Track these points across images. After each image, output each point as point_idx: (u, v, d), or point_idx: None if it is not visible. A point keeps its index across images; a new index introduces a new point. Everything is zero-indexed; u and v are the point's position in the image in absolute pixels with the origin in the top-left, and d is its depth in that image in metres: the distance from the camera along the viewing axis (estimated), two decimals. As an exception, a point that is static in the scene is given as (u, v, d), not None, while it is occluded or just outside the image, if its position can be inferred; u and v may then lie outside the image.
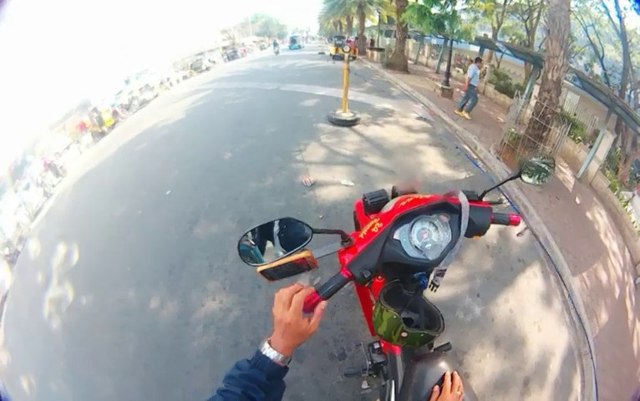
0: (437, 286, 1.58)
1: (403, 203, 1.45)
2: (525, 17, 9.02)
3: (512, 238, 4.32)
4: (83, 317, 4.03)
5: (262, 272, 1.27)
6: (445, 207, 1.41)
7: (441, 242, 1.36)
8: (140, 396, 3.04)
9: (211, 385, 2.81)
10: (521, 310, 3.57)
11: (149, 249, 4.52)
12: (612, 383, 3.39)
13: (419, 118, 7.97)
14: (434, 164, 5.89)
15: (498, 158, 6.00)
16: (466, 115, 7.85)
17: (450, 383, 1.24)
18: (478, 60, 8.14)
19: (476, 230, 1.43)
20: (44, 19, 6.21)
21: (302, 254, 1.25)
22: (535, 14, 8.69)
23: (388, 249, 1.32)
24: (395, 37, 11.78)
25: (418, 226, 1.37)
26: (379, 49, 13.26)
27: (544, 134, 5.91)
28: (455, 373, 1.28)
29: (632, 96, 5.88)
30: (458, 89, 9.09)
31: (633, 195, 5.36)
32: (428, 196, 1.47)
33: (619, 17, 5.99)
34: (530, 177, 1.66)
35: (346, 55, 7.06)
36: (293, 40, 18.02)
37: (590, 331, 3.68)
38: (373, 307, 1.39)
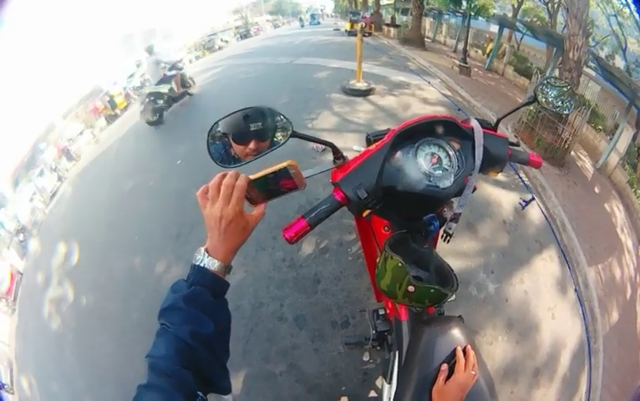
0: (450, 236, 1.32)
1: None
2: (547, -2, 8.65)
3: (529, 216, 4.18)
4: (92, 288, 4.02)
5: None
6: (455, 131, 1.23)
7: (453, 170, 1.18)
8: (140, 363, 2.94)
9: None
10: (536, 293, 3.39)
11: (159, 217, 4.55)
12: (615, 389, 3.21)
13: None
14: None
15: (516, 136, 5.73)
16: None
17: (464, 360, 1.05)
18: None
19: (492, 163, 1.24)
20: (54, 8, 6.20)
21: (285, 163, 0.97)
22: (557, -2, 8.31)
23: (389, 171, 1.14)
24: (412, 14, 11.42)
25: (425, 149, 1.20)
26: (396, 25, 12.90)
27: (564, 115, 5.45)
28: (469, 347, 1.08)
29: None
30: (476, 69, 8.85)
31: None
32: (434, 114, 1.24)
33: (638, 12, 5.71)
34: (546, 99, 1.44)
35: (358, 25, 7.03)
36: (313, 16, 18.33)
37: (602, 328, 3.51)
38: (377, 259, 1.22)
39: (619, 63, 6.21)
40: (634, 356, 3.67)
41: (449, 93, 7.66)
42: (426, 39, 11.50)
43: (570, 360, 3.06)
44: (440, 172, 1.17)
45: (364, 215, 1.22)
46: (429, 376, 1.05)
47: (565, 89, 1.44)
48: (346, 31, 13.01)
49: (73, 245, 4.63)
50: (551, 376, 2.89)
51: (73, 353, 3.47)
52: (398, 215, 1.31)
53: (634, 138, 5.36)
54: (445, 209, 1.31)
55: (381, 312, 1.79)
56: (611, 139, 5.64)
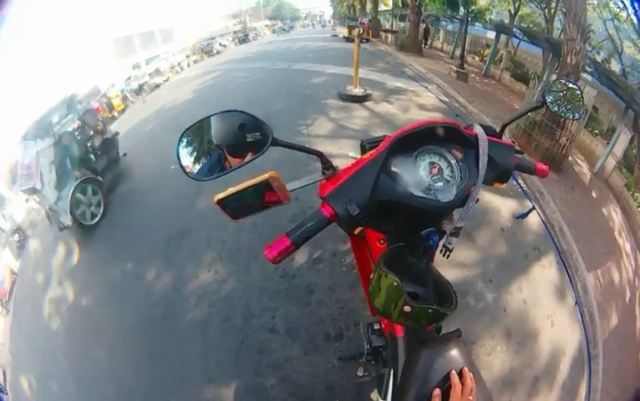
0: (450, 251, 1.20)
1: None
2: (544, 4, 8.64)
3: (528, 223, 4.12)
4: (85, 292, 3.93)
5: (221, 205, 0.97)
6: (458, 138, 1.13)
7: (455, 182, 1.08)
8: (131, 371, 2.86)
9: (200, 361, 2.75)
10: (535, 301, 3.32)
11: (151, 223, 4.43)
12: (615, 392, 3.13)
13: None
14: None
15: (514, 141, 5.60)
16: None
17: (460, 386, 0.97)
18: None
19: (497, 173, 1.15)
20: (52, 10, 6.11)
21: (266, 175, 0.92)
22: (554, 3, 8.30)
23: (384, 183, 1.03)
24: (409, 20, 11.40)
25: (425, 158, 1.10)
26: (393, 32, 12.93)
27: (562, 119, 5.47)
28: (466, 370, 1.00)
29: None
30: (473, 75, 8.84)
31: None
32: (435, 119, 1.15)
33: (636, 15, 5.73)
34: (555, 105, 1.36)
35: (356, 31, 7.20)
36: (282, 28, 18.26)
37: (601, 333, 3.45)
38: (371, 275, 1.12)
39: (615, 66, 6.22)
40: (634, 358, 3.62)
41: (446, 99, 7.61)
42: (423, 45, 11.50)
43: (569, 366, 3.01)
44: (441, 184, 1.08)
45: (356, 232, 1.14)
46: (423, 399, 0.98)
47: (577, 93, 1.36)
48: (344, 37, 13.03)
49: (68, 247, 4.51)
50: (550, 383, 2.84)
51: (66, 356, 3.38)
52: (395, 229, 1.21)
53: (631, 141, 5.34)
54: (445, 222, 1.21)
55: (376, 326, 1.69)
56: (608, 143, 5.64)
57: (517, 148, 1.25)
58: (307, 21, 18.49)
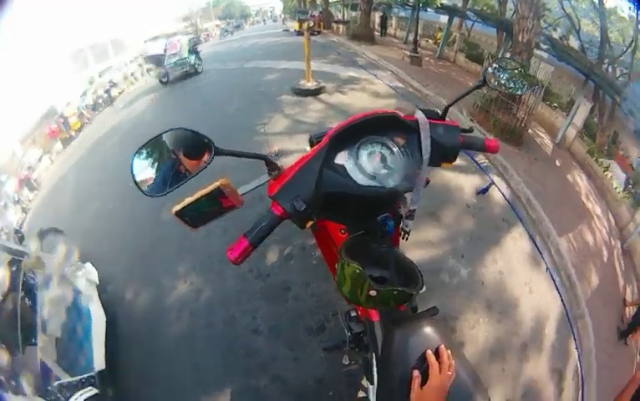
0: (408, 233, 1.27)
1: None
2: (496, -14, 8.81)
3: (493, 197, 4.20)
4: None
5: (179, 216, 0.99)
6: (399, 126, 1.20)
7: (399, 168, 1.15)
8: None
9: (193, 375, 2.74)
10: (510, 271, 3.36)
11: (121, 240, 4.35)
12: (609, 347, 3.28)
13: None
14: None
15: (472, 120, 5.82)
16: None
17: (437, 363, 0.99)
18: None
19: (444, 154, 1.21)
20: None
21: (217, 183, 0.97)
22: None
23: (329, 176, 1.10)
24: (361, 9, 11.46)
25: (367, 149, 1.17)
26: (345, 22, 12.92)
27: (518, 95, 5.62)
28: (443, 347, 1.02)
29: (610, 70, 5.77)
30: (427, 58, 8.99)
31: (609, 165, 5.36)
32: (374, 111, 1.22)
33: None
34: (498, 82, 1.41)
35: (305, 25, 7.05)
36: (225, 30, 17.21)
37: (582, 293, 3.53)
38: (336, 265, 1.18)
39: (574, 44, 6.43)
40: (621, 312, 3.80)
41: (400, 85, 7.68)
42: (375, 33, 11.54)
43: (555, 329, 3.09)
44: (386, 171, 1.13)
45: (308, 226, 1.12)
46: (404, 380, 1.00)
47: (516, 71, 1.42)
48: (295, 31, 12.87)
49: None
50: (538, 348, 2.90)
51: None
52: (351, 218, 1.28)
53: (592, 110, 5.60)
54: (401, 206, 1.29)
55: (353, 313, 1.72)
56: (568, 115, 5.81)
57: (464, 127, 1.30)
58: (257, 18, 18.05)
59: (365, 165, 1.12)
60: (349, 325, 1.70)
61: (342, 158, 1.14)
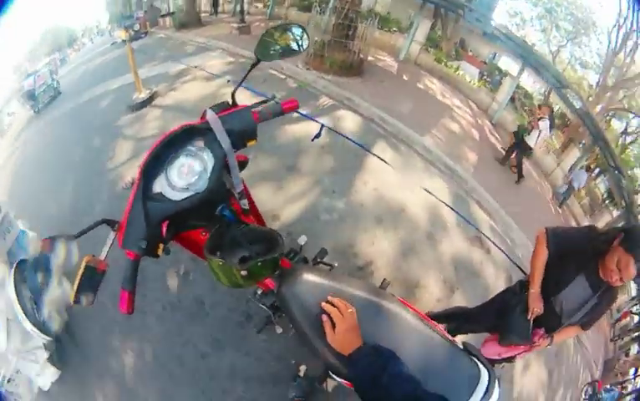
0: (247, 209, 1.46)
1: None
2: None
3: (343, 128, 4.32)
4: None
5: (77, 297, 1.04)
6: (195, 132, 1.26)
7: (207, 167, 1.22)
8: None
9: None
10: (385, 184, 3.53)
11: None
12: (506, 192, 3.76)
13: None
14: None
15: (308, 68, 5.84)
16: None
17: (335, 309, 1.12)
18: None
19: (245, 135, 1.29)
20: None
21: (83, 263, 1.03)
22: None
23: (153, 207, 1.16)
24: (184, -5, 10.98)
25: (174, 168, 1.22)
26: (170, 13, 12.33)
27: (350, 32, 5.90)
28: (329, 299, 1.16)
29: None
30: (257, 23, 8.96)
31: (459, 66, 6.03)
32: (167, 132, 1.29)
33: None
34: (274, 52, 1.54)
35: (129, 32, 6.80)
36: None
37: (464, 171, 3.95)
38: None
39: None
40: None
41: (231, 59, 7.56)
42: (203, 14, 11.21)
43: (453, 211, 3.36)
44: (196, 177, 1.20)
45: (159, 251, 1.18)
46: (314, 327, 1.14)
47: (289, 34, 1.54)
48: (123, 41, 11.99)
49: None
50: (443, 229, 3.14)
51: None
52: (200, 223, 1.36)
53: (433, 26, 6.14)
54: (232, 191, 1.38)
55: (259, 291, 1.93)
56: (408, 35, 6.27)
57: (260, 100, 1.38)
58: (84, 39, 16.50)
59: (176, 182, 1.19)
60: (263, 301, 1.94)
61: (158, 185, 1.19)
